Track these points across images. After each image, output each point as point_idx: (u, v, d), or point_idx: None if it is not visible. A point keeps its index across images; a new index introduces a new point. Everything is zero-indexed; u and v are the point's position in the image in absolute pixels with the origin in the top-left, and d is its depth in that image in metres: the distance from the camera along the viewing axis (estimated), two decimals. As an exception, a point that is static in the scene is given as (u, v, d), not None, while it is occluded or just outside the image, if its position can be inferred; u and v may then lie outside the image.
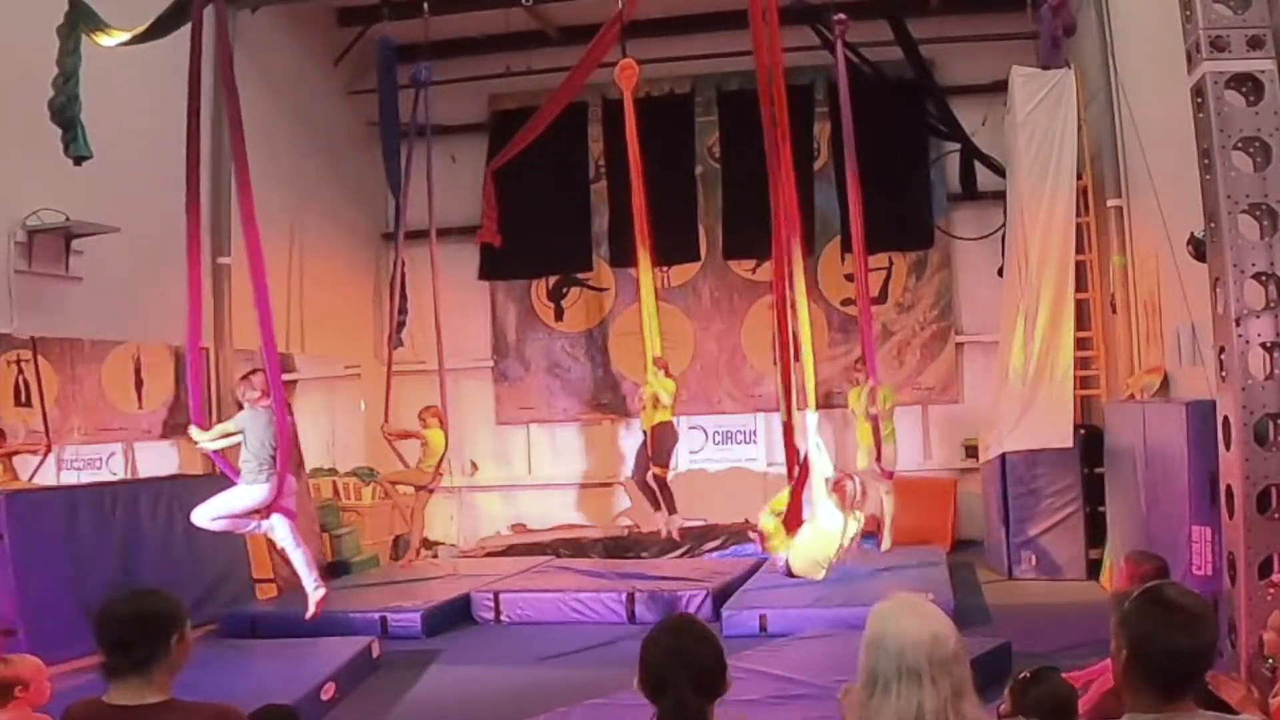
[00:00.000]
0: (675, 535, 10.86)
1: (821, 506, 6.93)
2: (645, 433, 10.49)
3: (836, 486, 6.97)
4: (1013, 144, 9.75)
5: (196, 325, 7.58)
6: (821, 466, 7.03)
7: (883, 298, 12.80)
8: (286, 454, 7.42)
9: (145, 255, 9.35)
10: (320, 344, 12.54)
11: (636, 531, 11.84)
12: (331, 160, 12.75)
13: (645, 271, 9.96)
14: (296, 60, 12.26)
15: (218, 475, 10.01)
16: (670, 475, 10.75)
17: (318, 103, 12.63)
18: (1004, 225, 10.68)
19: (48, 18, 7.64)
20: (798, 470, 7.07)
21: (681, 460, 13.02)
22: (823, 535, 6.97)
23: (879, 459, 9.76)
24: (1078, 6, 10.08)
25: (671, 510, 10.62)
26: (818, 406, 9.68)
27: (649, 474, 10.48)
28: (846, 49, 9.94)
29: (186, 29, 7.55)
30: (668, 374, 10.45)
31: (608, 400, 13.43)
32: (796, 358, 7.25)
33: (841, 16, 9.41)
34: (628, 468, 12.93)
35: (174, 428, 10.28)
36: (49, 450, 9.18)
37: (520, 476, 13.60)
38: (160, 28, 7.66)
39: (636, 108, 9.97)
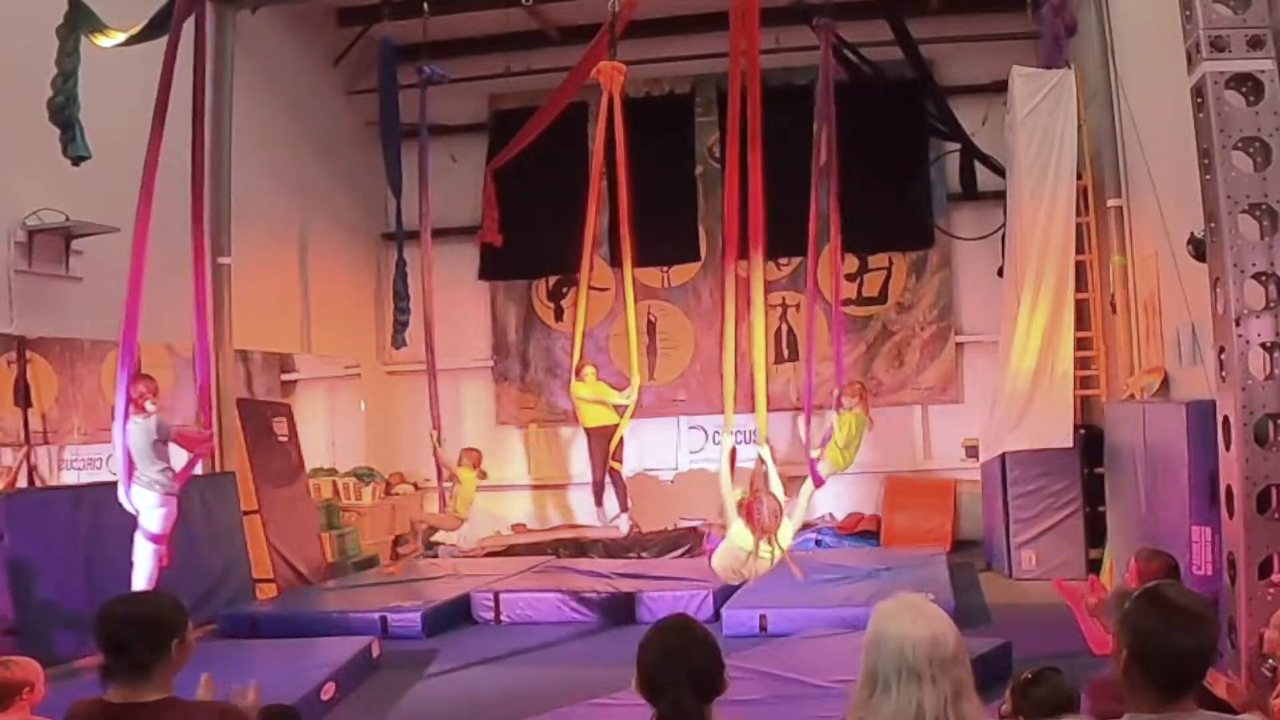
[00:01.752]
0: (630, 532, 11.10)
1: (734, 525, 6.66)
2: (599, 432, 10.53)
3: (746, 509, 6.59)
4: (1013, 144, 9.74)
5: (204, 326, 7.54)
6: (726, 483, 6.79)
7: (883, 298, 12.81)
8: (120, 461, 6.88)
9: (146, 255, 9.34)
10: (321, 344, 12.55)
11: (637, 531, 11.85)
12: (331, 160, 12.75)
13: (583, 277, 10.22)
14: (296, 60, 12.26)
15: (216, 475, 10.09)
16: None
17: (318, 103, 12.63)
18: (1004, 225, 10.68)
19: (47, 18, 7.63)
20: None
21: (682, 460, 13.05)
22: (733, 544, 6.68)
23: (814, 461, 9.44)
24: (1078, 6, 10.08)
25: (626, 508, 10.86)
26: (815, 408, 9.68)
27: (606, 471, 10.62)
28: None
29: (183, 28, 7.54)
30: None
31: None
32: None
33: (822, 20, 9.43)
34: (629, 468, 12.92)
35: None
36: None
37: (520, 476, 13.60)
38: (155, 27, 7.65)
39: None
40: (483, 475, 11.05)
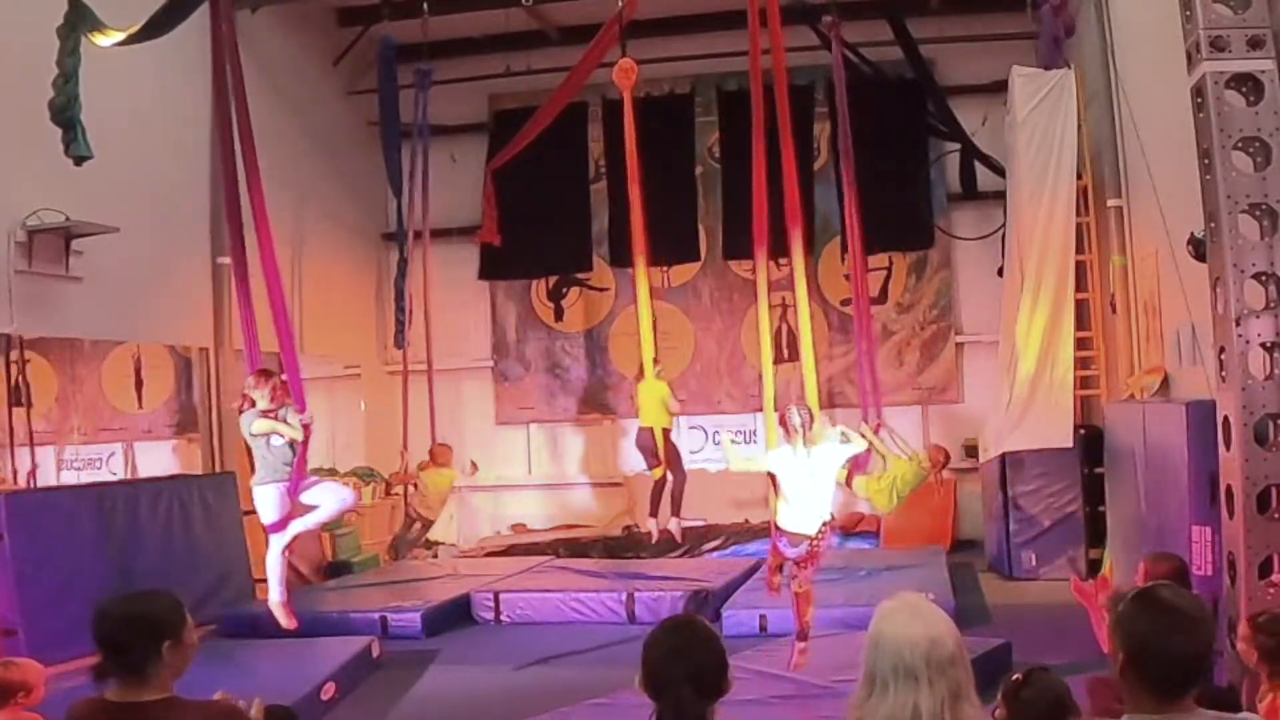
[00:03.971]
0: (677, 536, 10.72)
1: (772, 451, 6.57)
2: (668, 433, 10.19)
3: (780, 420, 6.49)
4: (1013, 144, 9.75)
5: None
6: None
7: (883, 298, 12.81)
8: None
9: (145, 255, 9.35)
10: (320, 344, 12.54)
11: (636, 531, 11.86)
12: (331, 160, 12.74)
13: (642, 279, 9.61)
14: (296, 60, 12.26)
15: (216, 475, 10.09)
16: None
17: (318, 103, 12.62)
18: (1004, 225, 10.68)
19: (48, 18, 7.63)
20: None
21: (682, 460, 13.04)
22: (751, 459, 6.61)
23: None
24: (1077, 7, 10.08)
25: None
26: (820, 407, 9.53)
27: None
28: (846, 49, 9.96)
29: (183, 28, 7.55)
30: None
31: (607, 400, 13.42)
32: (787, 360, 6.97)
33: (830, 19, 9.45)
34: (628, 467, 12.91)
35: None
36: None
37: (520, 476, 13.60)
38: (154, 27, 7.65)
39: (636, 108, 9.94)
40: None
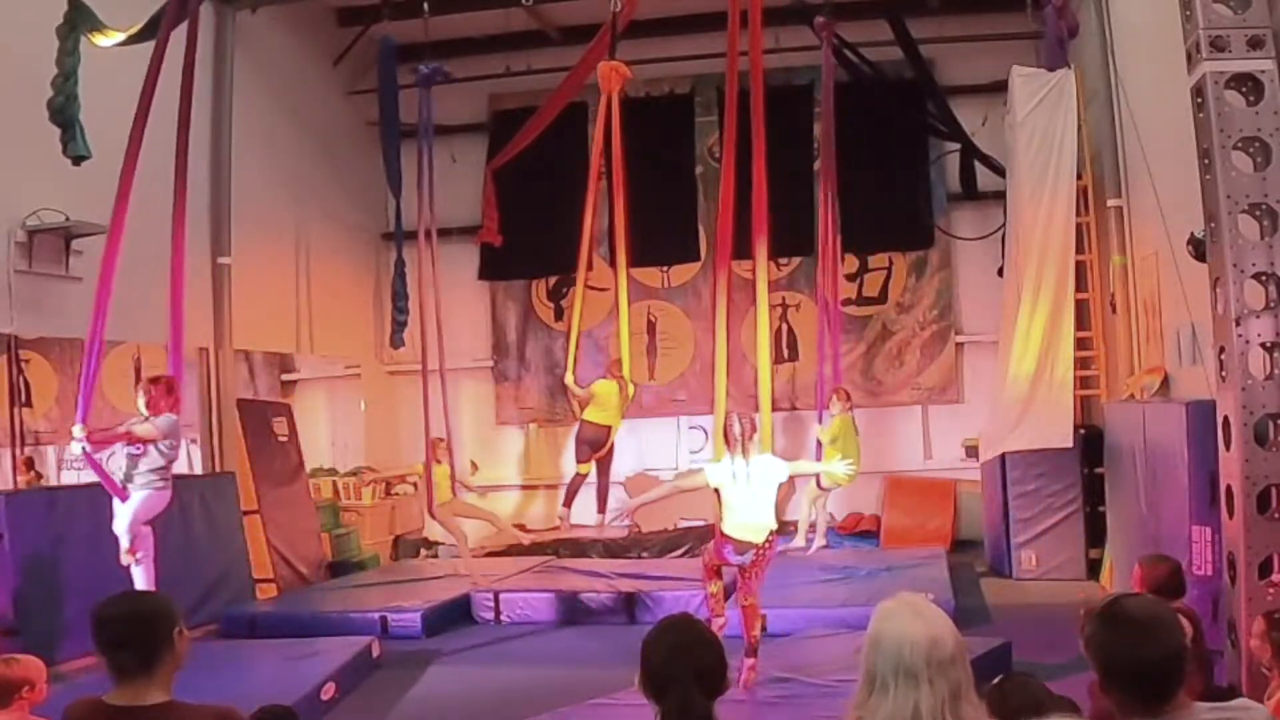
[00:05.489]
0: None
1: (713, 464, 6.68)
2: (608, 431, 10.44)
3: (726, 427, 6.57)
4: (1013, 144, 9.75)
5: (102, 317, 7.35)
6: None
7: (883, 298, 12.81)
8: None
9: (145, 255, 9.30)
10: (320, 344, 12.55)
11: (636, 531, 11.85)
12: (331, 160, 12.75)
13: (623, 280, 9.85)
14: (296, 60, 12.27)
15: (216, 475, 10.09)
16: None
17: (318, 103, 12.63)
18: (1004, 225, 10.69)
19: (48, 18, 7.64)
20: None
21: (682, 460, 13.05)
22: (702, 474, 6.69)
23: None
24: (1078, 7, 10.08)
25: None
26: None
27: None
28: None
29: (182, 28, 7.56)
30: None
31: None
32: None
33: (821, 19, 9.48)
34: (628, 467, 12.92)
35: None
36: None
37: (520, 477, 13.59)
38: (154, 27, 7.65)
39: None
40: (473, 468, 10.86)
